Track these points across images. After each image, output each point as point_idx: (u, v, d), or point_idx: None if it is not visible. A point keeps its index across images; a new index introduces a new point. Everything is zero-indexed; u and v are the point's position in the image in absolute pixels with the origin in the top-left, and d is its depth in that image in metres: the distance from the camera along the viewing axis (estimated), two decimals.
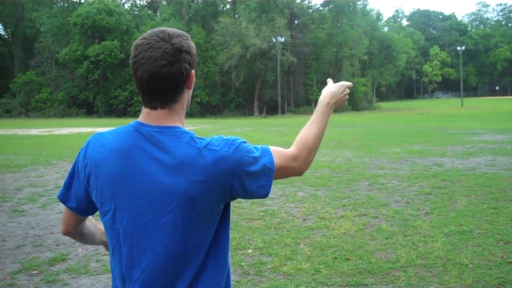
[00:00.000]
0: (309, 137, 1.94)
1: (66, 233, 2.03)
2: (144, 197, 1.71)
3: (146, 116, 1.77)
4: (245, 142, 1.79)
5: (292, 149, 1.90)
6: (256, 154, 1.78)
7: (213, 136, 1.76)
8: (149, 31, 1.75)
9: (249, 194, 1.78)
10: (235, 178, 1.72)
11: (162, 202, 1.69)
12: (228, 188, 1.72)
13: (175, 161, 1.67)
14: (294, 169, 1.90)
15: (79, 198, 1.89)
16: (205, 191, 1.68)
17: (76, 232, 2.04)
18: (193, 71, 1.78)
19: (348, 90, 2.18)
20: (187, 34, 1.78)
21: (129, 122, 1.84)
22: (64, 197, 1.93)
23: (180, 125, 1.78)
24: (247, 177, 1.74)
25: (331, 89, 2.12)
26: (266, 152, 1.82)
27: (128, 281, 1.77)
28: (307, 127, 1.98)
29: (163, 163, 1.68)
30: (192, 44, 1.77)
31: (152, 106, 1.75)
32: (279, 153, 1.86)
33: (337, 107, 2.16)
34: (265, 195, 1.82)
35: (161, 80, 1.69)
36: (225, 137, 1.77)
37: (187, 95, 1.83)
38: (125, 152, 1.73)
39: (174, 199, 1.67)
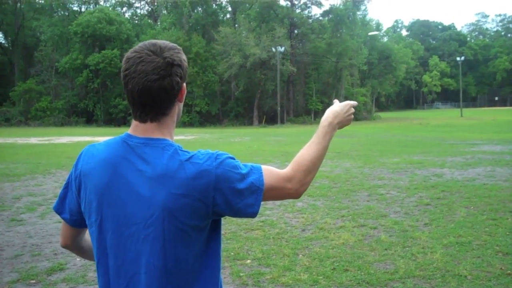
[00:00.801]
0: (306, 157, 1.86)
1: (64, 245, 2.03)
2: (127, 208, 1.70)
3: (134, 128, 1.78)
4: (232, 158, 1.75)
5: (286, 170, 1.83)
6: (244, 171, 1.74)
7: (200, 150, 1.75)
8: (140, 44, 1.74)
9: (235, 212, 1.73)
10: (218, 193, 1.68)
11: (144, 214, 1.68)
12: (211, 203, 1.68)
13: (156, 172, 1.67)
14: (289, 190, 1.82)
15: (72, 209, 1.90)
16: (184, 204, 1.65)
17: (75, 245, 2.04)
18: (184, 84, 1.78)
19: (353, 110, 2.11)
20: (178, 47, 1.77)
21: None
22: (59, 209, 1.94)
23: (168, 138, 1.77)
24: (232, 194, 1.70)
25: (335, 108, 2.06)
26: (255, 170, 1.77)
27: None
28: (305, 148, 1.90)
29: (145, 175, 1.68)
30: (184, 57, 1.77)
31: (142, 119, 1.75)
32: (271, 172, 1.80)
33: (342, 127, 2.09)
34: (252, 214, 1.76)
35: (153, 94, 1.69)
36: (210, 151, 1.75)
37: (178, 108, 1.83)
38: (112, 163, 1.73)
39: (154, 211, 1.66)
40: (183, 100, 1.83)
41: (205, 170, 1.67)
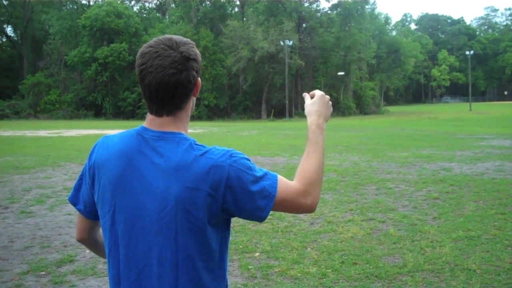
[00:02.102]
0: (310, 169, 1.82)
1: (80, 239, 2.04)
2: (140, 200, 1.71)
3: (150, 122, 1.78)
4: (247, 159, 1.75)
5: (299, 185, 1.79)
6: (258, 174, 1.73)
7: (215, 146, 1.75)
8: (154, 39, 1.75)
9: (243, 213, 1.72)
10: (229, 190, 1.68)
11: (157, 207, 1.69)
12: (221, 200, 1.68)
13: (170, 166, 1.68)
14: (306, 205, 1.79)
15: (86, 200, 1.90)
16: (196, 198, 1.66)
17: (90, 239, 2.05)
18: (199, 78, 1.79)
19: (328, 97, 2.07)
20: (192, 42, 1.78)
21: (137, 124, 1.86)
22: (73, 200, 1.94)
23: (183, 132, 1.78)
24: (242, 194, 1.69)
25: (314, 107, 2.02)
26: (270, 176, 1.75)
27: (124, 282, 1.76)
28: (305, 160, 1.86)
29: (159, 168, 1.69)
30: (198, 52, 1.78)
31: (158, 113, 1.76)
32: (286, 183, 1.78)
33: (327, 120, 2.02)
34: (260, 218, 1.75)
35: (170, 88, 1.69)
36: (226, 149, 1.75)
37: (192, 102, 1.84)
38: (127, 155, 1.74)
39: (167, 204, 1.67)
40: (197, 94, 1.84)
41: (218, 166, 1.67)
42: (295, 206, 1.78)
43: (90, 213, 1.92)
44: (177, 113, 1.77)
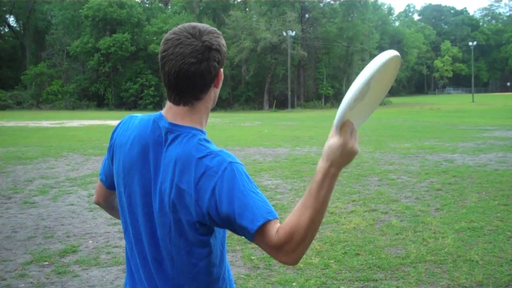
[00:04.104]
0: (300, 227, 1.53)
1: (97, 202, 2.15)
2: (146, 188, 1.74)
3: (167, 109, 1.77)
4: (246, 176, 1.64)
5: (277, 239, 1.55)
6: (249, 195, 1.59)
7: (222, 150, 1.69)
8: (179, 26, 1.73)
9: (226, 226, 1.65)
10: (213, 198, 1.60)
11: (157, 199, 1.71)
12: (206, 206, 1.61)
13: (169, 161, 1.68)
14: (281, 261, 1.60)
15: (106, 173, 1.99)
16: (184, 200, 1.64)
17: (107, 204, 2.14)
18: (221, 69, 1.77)
19: (352, 145, 1.56)
20: (218, 31, 1.75)
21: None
22: (100, 170, 2.05)
23: (197, 126, 1.75)
24: (225, 205, 1.59)
25: (332, 150, 1.55)
26: (257, 211, 1.58)
27: (133, 263, 1.85)
28: (298, 211, 1.56)
29: (163, 162, 1.70)
30: (223, 42, 1.75)
31: (175, 101, 1.75)
32: (266, 235, 1.57)
33: (341, 168, 1.58)
34: (246, 236, 1.62)
35: (189, 77, 1.68)
36: (227, 159, 1.64)
37: (214, 93, 1.81)
38: (140, 141, 1.77)
39: (163, 198, 1.68)
40: (220, 86, 1.82)
41: (209, 175, 1.61)
42: (270, 254, 1.61)
43: (110, 185, 1.99)
44: (194, 104, 1.75)
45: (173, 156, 1.67)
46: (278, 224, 1.59)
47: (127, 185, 1.78)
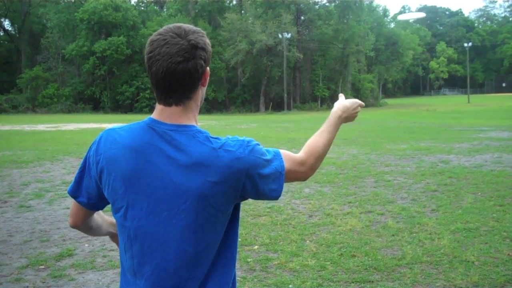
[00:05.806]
0: (319, 144, 1.96)
1: (74, 226, 2.02)
2: (157, 195, 1.72)
3: (160, 113, 1.77)
4: (259, 144, 1.81)
5: (300, 154, 1.92)
6: (268, 157, 1.80)
7: (228, 136, 1.78)
8: (164, 27, 1.74)
9: (260, 195, 1.80)
10: (248, 179, 1.73)
11: (176, 201, 1.70)
12: (241, 188, 1.73)
13: (190, 160, 1.68)
14: (300, 174, 1.92)
15: (90, 193, 1.88)
16: (218, 192, 1.69)
17: (85, 226, 2.04)
18: (208, 68, 1.79)
19: (360, 108, 2.22)
20: (202, 31, 1.77)
21: (136, 118, 1.86)
22: (74, 192, 1.92)
23: (194, 123, 1.79)
24: (260, 179, 1.75)
25: (345, 103, 2.17)
26: (277, 156, 1.84)
27: (139, 277, 1.78)
28: (317, 135, 2.00)
29: (178, 162, 1.69)
30: (208, 41, 1.77)
31: (166, 102, 1.75)
32: (288, 157, 1.88)
33: (346, 122, 2.20)
34: (276, 197, 1.83)
35: (177, 76, 1.69)
36: (240, 138, 1.78)
37: (201, 92, 1.84)
38: (139, 149, 1.73)
39: (188, 198, 1.68)
40: (207, 84, 1.84)
41: (239, 158, 1.71)
42: (293, 176, 1.89)
43: (93, 206, 1.92)
44: (186, 103, 1.76)
45: (190, 155, 1.68)
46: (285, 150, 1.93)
47: (130, 197, 1.75)
